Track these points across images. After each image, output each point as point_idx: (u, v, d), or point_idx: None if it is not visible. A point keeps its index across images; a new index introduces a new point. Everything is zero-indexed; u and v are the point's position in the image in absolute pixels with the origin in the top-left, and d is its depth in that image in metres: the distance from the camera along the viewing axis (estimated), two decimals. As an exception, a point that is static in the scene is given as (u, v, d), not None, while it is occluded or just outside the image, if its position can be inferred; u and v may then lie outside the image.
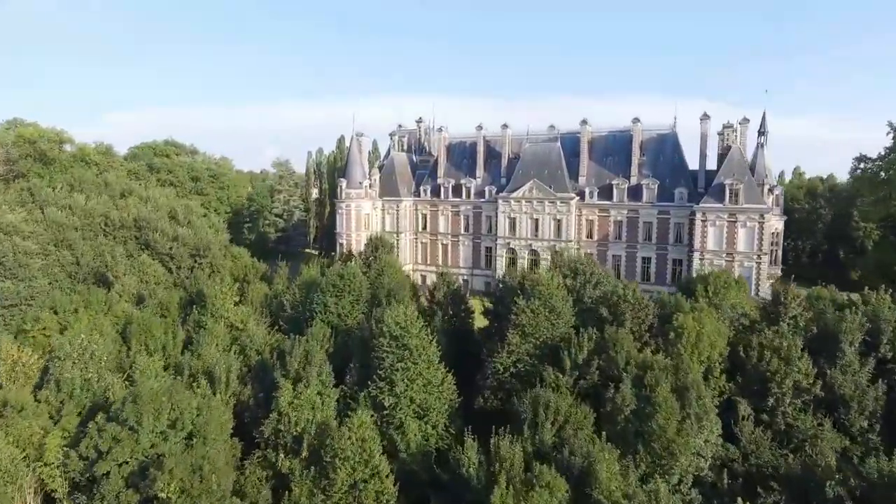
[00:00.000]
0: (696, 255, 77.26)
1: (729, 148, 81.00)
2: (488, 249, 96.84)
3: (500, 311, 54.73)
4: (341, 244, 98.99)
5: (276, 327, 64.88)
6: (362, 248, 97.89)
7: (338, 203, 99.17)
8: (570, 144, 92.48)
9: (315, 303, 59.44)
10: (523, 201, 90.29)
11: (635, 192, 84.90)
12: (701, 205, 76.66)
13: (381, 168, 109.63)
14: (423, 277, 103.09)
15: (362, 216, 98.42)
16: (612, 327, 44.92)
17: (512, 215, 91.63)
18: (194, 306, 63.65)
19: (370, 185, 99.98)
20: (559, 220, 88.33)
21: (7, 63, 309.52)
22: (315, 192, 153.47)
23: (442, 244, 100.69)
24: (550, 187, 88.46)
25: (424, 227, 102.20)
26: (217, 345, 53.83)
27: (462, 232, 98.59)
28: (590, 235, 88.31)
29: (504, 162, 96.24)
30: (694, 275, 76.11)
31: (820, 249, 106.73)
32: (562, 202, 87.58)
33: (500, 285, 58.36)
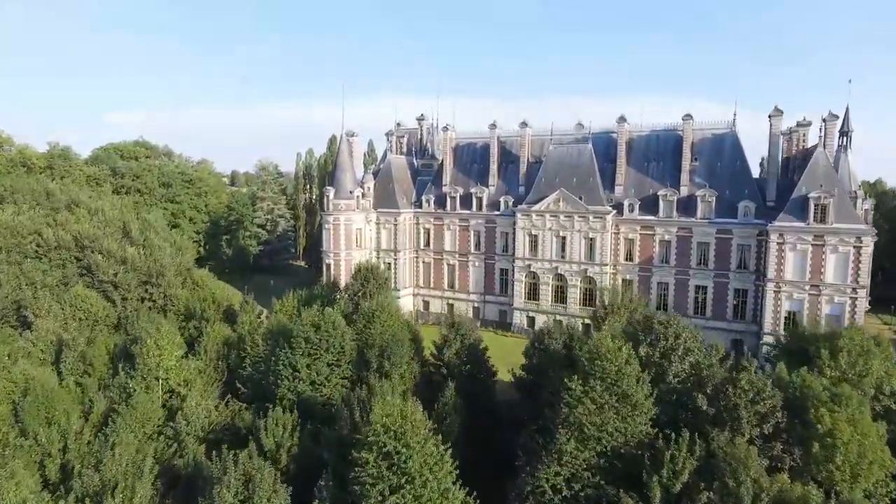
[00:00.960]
0: (770, 286, 61.43)
1: (807, 152, 65.26)
2: (504, 272, 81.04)
3: (538, 383, 39.09)
4: (328, 265, 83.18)
5: (237, 392, 49.25)
6: (352, 270, 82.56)
7: (324, 216, 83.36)
8: (604, 146, 76.72)
9: (281, 364, 43.74)
10: (547, 215, 74.45)
11: (687, 206, 69.08)
12: (776, 223, 60.82)
13: (375, 174, 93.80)
14: (426, 303, 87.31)
15: (353, 231, 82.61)
16: (721, 433, 29.17)
17: (533, 232, 75.80)
18: (122, 365, 47.99)
19: (362, 195, 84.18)
20: (592, 239, 72.52)
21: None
22: (304, 198, 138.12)
23: (448, 264, 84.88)
24: (581, 198, 72.68)
25: (427, 244, 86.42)
26: (136, 434, 38.19)
27: (472, 250, 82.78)
28: (629, 258, 72.49)
29: (522, 167, 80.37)
30: (769, 312, 60.58)
31: None
32: (595, 217, 71.77)
33: (538, 348, 42.39)
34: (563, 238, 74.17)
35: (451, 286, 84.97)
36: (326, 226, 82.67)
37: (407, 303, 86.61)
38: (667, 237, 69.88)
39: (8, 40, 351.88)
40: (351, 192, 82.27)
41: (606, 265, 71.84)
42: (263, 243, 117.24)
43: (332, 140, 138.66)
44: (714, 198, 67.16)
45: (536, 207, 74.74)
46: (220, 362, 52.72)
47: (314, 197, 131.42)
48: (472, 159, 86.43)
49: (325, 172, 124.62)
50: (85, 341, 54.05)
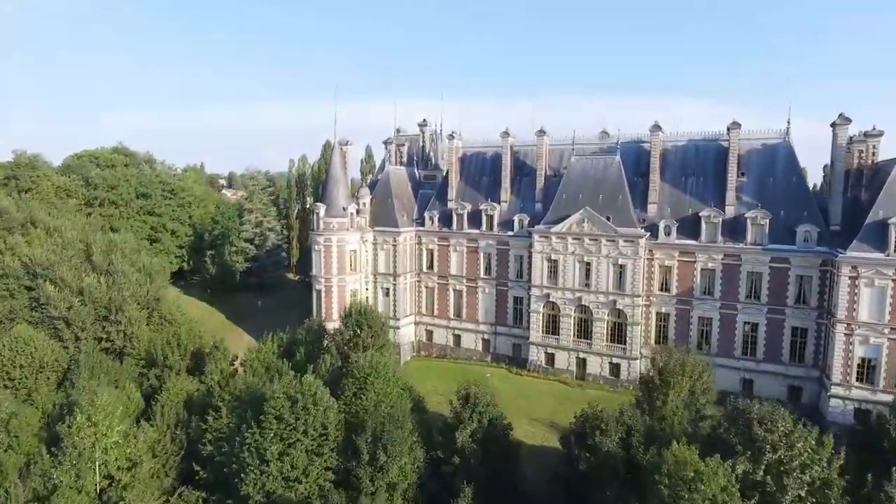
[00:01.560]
0: (840, 328, 51.62)
1: (878, 167, 55.49)
2: (518, 301, 71.21)
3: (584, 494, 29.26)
4: (318, 291, 73.42)
5: (195, 475, 39.68)
6: (346, 298, 72.88)
7: (313, 236, 73.54)
8: (633, 158, 66.96)
9: (247, 449, 34.08)
10: (569, 238, 64.66)
11: (733, 229, 59.29)
12: (849, 253, 50.98)
13: (372, 186, 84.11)
14: (429, 333, 77.50)
15: (346, 253, 72.82)
16: None
17: (553, 256, 66.00)
18: (48, 447, 38.33)
19: (357, 212, 74.39)
20: (622, 266, 62.70)
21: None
22: (297, 207, 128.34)
23: (454, 290, 75.06)
24: (608, 219, 62.89)
25: (430, 267, 76.61)
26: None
27: (481, 275, 72.97)
28: (665, 287, 62.69)
29: (539, 181, 70.56)
30: (837, 358, 50.84)
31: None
32: (626, 241, 61.97)
33: (583, 446, 32.56)
34: (588, 264, 64.37)
35: (458, 315, 75.13)
36: (316, 247, 72.87)
37: (408, 333, 76.87)
38: (710, 265, 60.04)
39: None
40: (344, 209, 72.48)
41: (639, 296, 62.02)
42: (251, 259, 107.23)
43: (327, 146, 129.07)
44: (767, 220, 57.34)
45: (557, 229, 64.94)
46: (178, 430, 42.98)
47: (308, 205, 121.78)
48: (480, 171, 76.60)
49: (318, 181, 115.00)
50: (12, 403, 44.31)
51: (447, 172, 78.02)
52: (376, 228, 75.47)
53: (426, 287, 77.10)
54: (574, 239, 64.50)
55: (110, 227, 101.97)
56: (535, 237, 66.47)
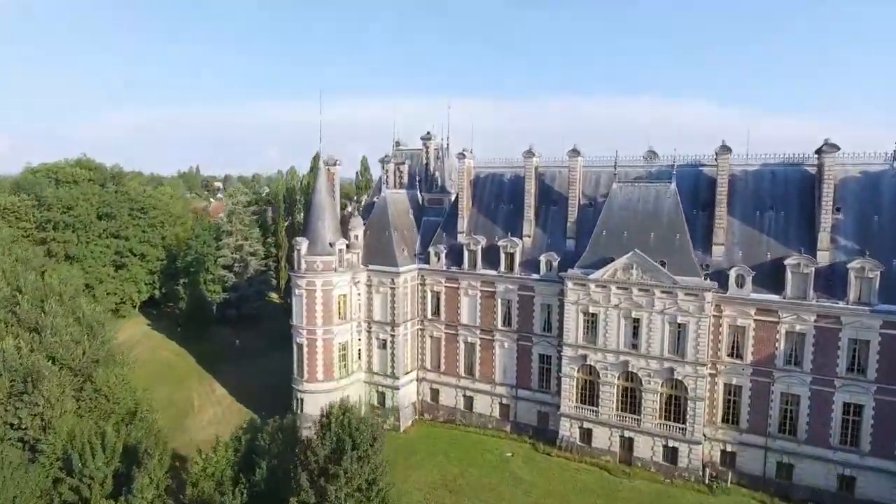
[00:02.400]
0: None
1: None
2: (545, 359, 57.92)
3: None
4: (299, 345, 60.09)
5: None
6: (333, 352, 59.56)
7: (294, 278, 60.16)
8: (690, 185, 53.75)
9: None
10: (613, 287, 51.30)
11: (830, 281, 45.95)
12: None
13: (367, 210, 70.91)
14: (434, 393, 64.16)
15: (334, 299, 59.47)
16: None
17: (591, 309, 52.64)
18: None
19: (347, 247, 61.09)
20: (681, 325, 49.35)
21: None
22: (286, 224, 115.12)
23: (465, 343, 61.71)
24: (663, 264, 49.56)
25: (436, 313, 63.26)
26: None
27: (499, 326, 59.62)
28: (737, 354, 49.33)
29: (571, 213, 57.23)
30: None
31: None
32: (687, 293, 48.60)
33: None
34: (637, 321, 51.03)
35: (470, 372, 61.79)
36: (297, 291, 59.51)
37: (409, 392, 63.54)
38: (798, 328, 46.65)
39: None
40: (331, 245, 59.15)
41: (703, 364, 48.65)
42: (230, 289, 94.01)
43: (316, 159, 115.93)
44: (877, 272, 43.94)
45: (597, 276, 51.57)
46: None
47: (298, 221, 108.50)
48: (497, 197, 63.21)
49: (308, 195, 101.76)
50: None
51: (456, 197, 64.76)
52: (371, 267, 62.09)
53: (431, 337, 63.72)
54: (619, 289, 51.13)
55: (65, 255, 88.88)
56: (569, 284, 53.08)
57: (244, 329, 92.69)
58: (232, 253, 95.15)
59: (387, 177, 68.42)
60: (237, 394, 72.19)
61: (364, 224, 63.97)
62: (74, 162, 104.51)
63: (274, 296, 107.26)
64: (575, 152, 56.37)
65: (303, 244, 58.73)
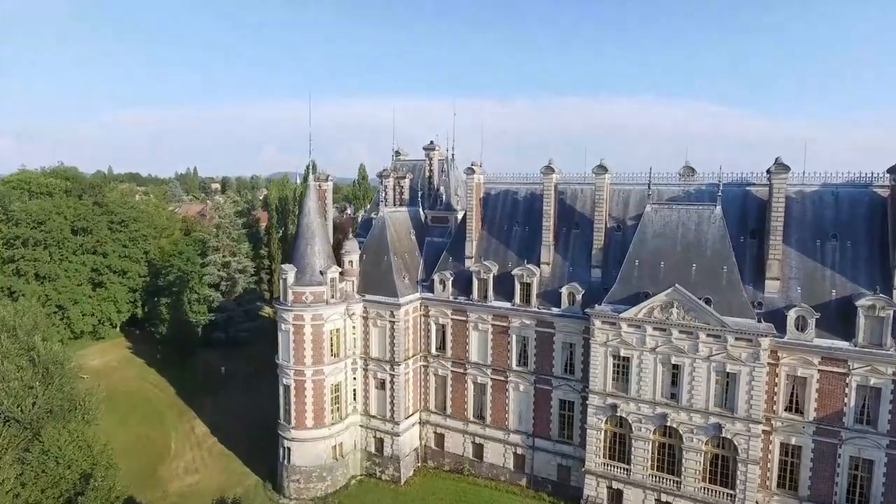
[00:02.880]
0: None
1: None
2: (567, 406, 50.64)
3: None
4: (286, 387, 52.85)
5: None
6: (325, 395, 52.37)
7: (280, 311, 52.85)
8: (737, 209, 46.57)
9: None
10: (649, 328, 44.02)
11: (911, 327, 38.65)
12: None
13: (363, 230, 63.94)
14: (440, 438, 56.85)
15: (325, 334, 52.21)
16: None
17: (623, 352, 45.35)
18: None
19: (342, 274, 53.88)
20: (730, 375, 42.05)
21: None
22: (278, 236, 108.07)
23: (475, 383, 54.42)
24: (708, 302, 42.28)
25: (442, 349, 56.00)
26: None
27: (514, 366, 52.34)
28: (796, 408, 42.02)
29: (597, 238, 49.90)
30: None
31: None
32: (738, 338, 41.29)
33: None
34: (677, 368, 43.74)
35: (480, 417, 54.53)
36: (283, 326, 52.24)
37: (410, 438, 56.25)
38: (872, 381, 39.37)
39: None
40: (322, 273, 51.90)
41: (757, 422, 41.35)
42: (216, 310, 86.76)
43: (311, 169, 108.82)
44: (971, 318, 36.67)
45: (630, 314, 44.27)
46: None
47: (291, 232, 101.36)
48: (511, 217, 55.90)
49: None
50: None
51: (464, 216, 57.48)
52: (367, 297, 54.80)
53: (436, 375, 56.44)
54: (656, 329, 43.83)
55: (35, 275, 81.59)
56: (596, 323, 45.79)
57: (232, 353, 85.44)
58: (219, 270, 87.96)
59: (385, 194, 61.03)
60: (220, 433, 65.00)
61: (360, 248, 56.72)
62: (50, 171, 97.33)
63: (267, 311, 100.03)
64: (602, 168, 49.05)
65: (289, 273, 51.46)
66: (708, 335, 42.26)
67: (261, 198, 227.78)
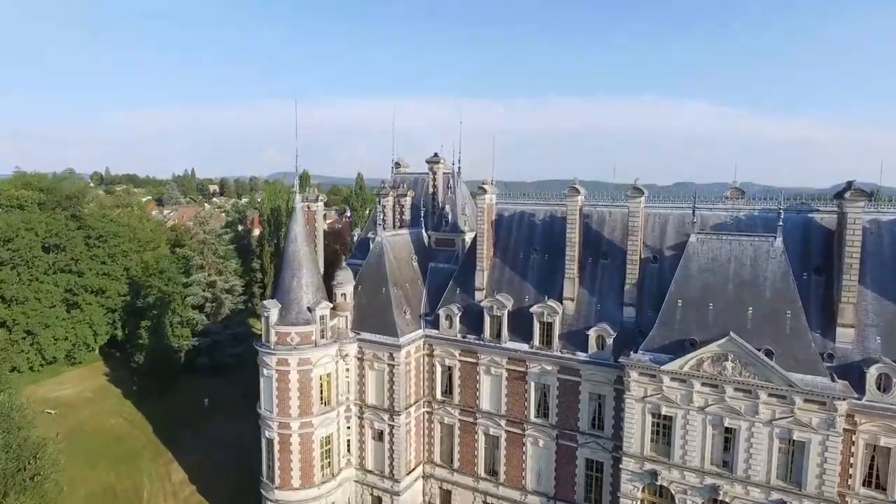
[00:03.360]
0: None
1: None
2: (594, 466, 43.54)
3: None
4: (269, 440, 45.80)
5: None
6: (313, 451, 45.36)
7: (261, 355, 45.73)
8: (798, 238, 39.52)
9: None
10: (697, 384, 36.94)
11: None
12: None
13: (359, 252, 57.04)
14: (446, 494, 49.75)
15: (313, 380, 45.19)
16: None
17: (665, 409, 38.27)
18: None
19: (334, 308, 46.84)
20: (797, 444, 34.97)
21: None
22: (270, 248, 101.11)
23: (486, 434, 47.36)
24: (770, 356, 35.21)
25: (448, 393, 48.95)
26: None
27: (531, 417, 45.25)
28: (877, 485, 34.94)
29: (632, 270, 42.77)
30: None
31: None
32: (807, 400, 34.23)
33: None
34: (731, 432, 36.67)
35: (492, 473, 47.46)
36: (266, 371, 45.21)
37: (412, 496, 49.22)
38: (977, 456, 32.32)
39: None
40: (310, 310, 44.85)
41: (831, 500, 34.26)
42: (200, 334, 79.77)
43: (304, 179, 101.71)
44: None
45: (673, 366, 37.21)
46: None
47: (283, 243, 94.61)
48: (527, 243, 48.77)
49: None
50: None
51: (473, 241, 50.42)
52: (363, 336, 47.75)
53: (441, 424, 49.39)
54: (706, 385, 36.78)
55: (1, 298, 74.61)
56: (633, 374, 38.74)
57: (217, 380, 78.35)
58: (203, 290, 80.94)
59: (383, 215, 53.87)
60: (200, 478, 58.04)
61: (355, 276, 49.64)
62: (21, 182, 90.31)
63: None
64: (637, 191, 41.92)
65: (272, 310, 44.41)
66: (770, 395, 35.19)
67: (259, 200, 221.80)
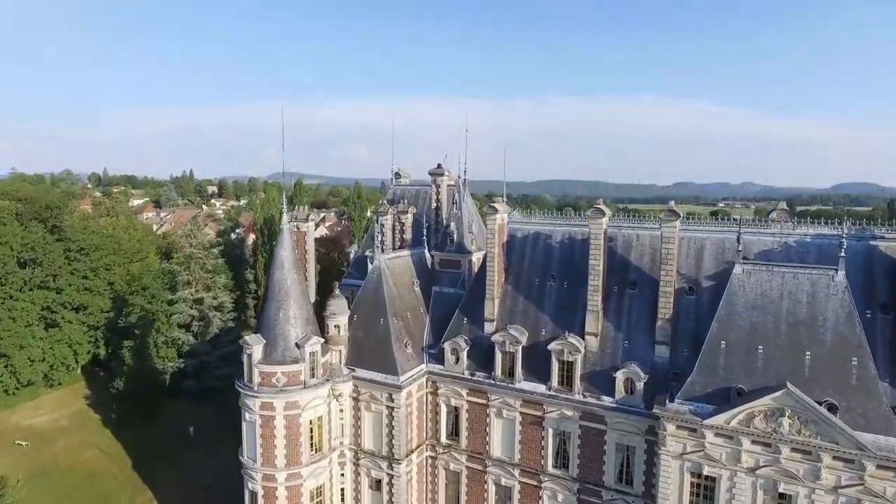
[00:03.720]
0: None
1: None
2: (622, 528, 38.23)
3: None
4: (252, 493, 40.49)
5: None
6: (303, 509, 39.93)
7: (244, 397, 40.42)
8: (859, 271, 34.16)
9: None
10: (746, 441, 31.64)
11: None
12: None
13: (356, 271, 52.01)
14: (451, 549, 44.30)
15: (303, 425, 39.94)
16: None
17: (707, 469, 32.97)
18: None
19: (326, 342, 41.62)
20: (869, 517, 29.68)
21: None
22: (263, 260, 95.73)
23: (497, 485, 42.06)
24: (834, 411, 29.92)
25: (454, 436, 43.68)
26: None
27: (549, 468, 39.94)
28: (965, 565, 29.65)
29: (665, 303, 37.41)
30: None
31: None
32: (881, 466, 28.93)
33: None
34: (786, 498, 31.36)
35: (504, 528, 42.20)
36: (248, 416, 39.98)
37: (414, 551, 43.88)
38: None
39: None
40: (299, 347, 39.59)
41: (910, 585, 28.98)
42: (188, 355, 74.59)
43: (298, 188, 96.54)
44: None
45: (718, 420, 31.94)
46: None
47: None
48: (543, 269, 43.44)
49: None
50: None
51: (482, 264, 45.22)
52: (359, 373, 42.51)
53: (446, 470, 44.12)
54: (756, 444, 31.51)
55: (-31, 318, 69.35)
56: (669, 427, 33.47)
57: (204, 405, 73.15)
58: (190, 308, 75.71)
59: (382, 237, 48.48)
60: (181, 524, 52.93)
61: (350, 304, 44.38)
62: (7, 177, 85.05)
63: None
64: (673, 214, 36.59)
65: (255, 347, 39.16)
66: (835, 458, 29.92)
67: (257, 201, 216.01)
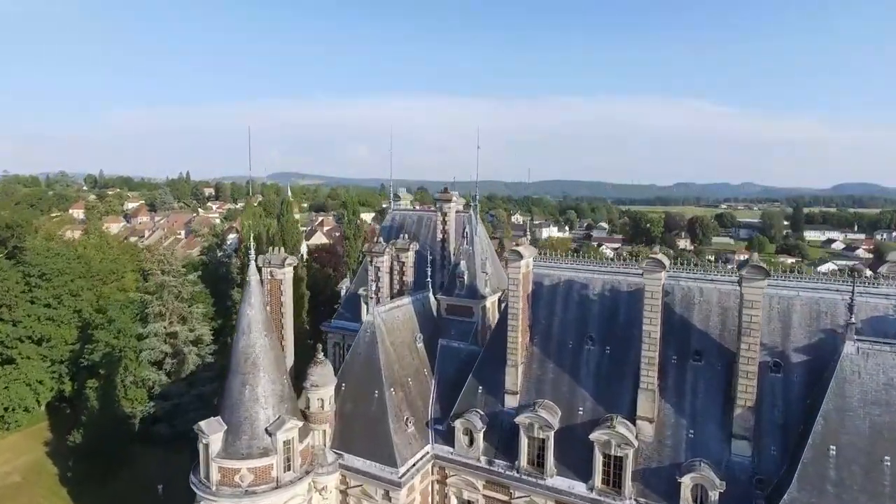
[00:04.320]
0: None
1: None
2: None
3: None
4: None
5: None
6: None
7: (199, 498, 31.68)
8: None
9: None
10: None
11: None
12: None
13: (344, 314, 43.39)
14: None
15: (277, 533, 31.09)
16: None
17: None
18: None
19: (308, 420, 32.86)
20: None
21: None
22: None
23: None
24: None
25: (467, 536, 34.90)
26: None
27: (590, 588, 31.19)
28: None
29: (747, 384, 28.60)
30: None
31: None
32: None
33: None
34: None
35: None
36: (206, 521, 31.16)
37: None
38: None
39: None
40: (270, 434, 30.82)
41: None
42: (159, 397, 65.87)
43: (286, 206, 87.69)
44: None
45: (836, 565, 23.19)
46: None
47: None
48: (578, 327, 34.70)
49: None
50: None
51: (503, 315, 36.55)
52: (347, 462, 33.74)
53: (457, 577, 35.41)
54: None
55: None
56: (760, 563, 24.71)
57: (177, 454, 63.83)
58: (162, 343, 66.93)
59: (376, 284, 39.61)
60: None
61: (338, 379, 35.61)
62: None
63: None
64: (759, 270, 27.73)
65: (213, 436, 30.40)
66: None
67: (255, 204, 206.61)
